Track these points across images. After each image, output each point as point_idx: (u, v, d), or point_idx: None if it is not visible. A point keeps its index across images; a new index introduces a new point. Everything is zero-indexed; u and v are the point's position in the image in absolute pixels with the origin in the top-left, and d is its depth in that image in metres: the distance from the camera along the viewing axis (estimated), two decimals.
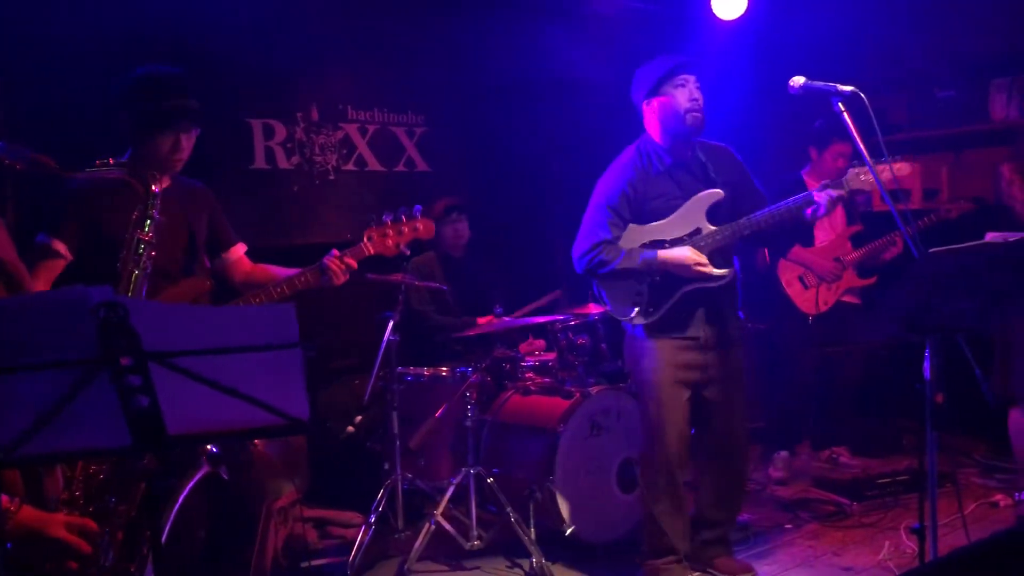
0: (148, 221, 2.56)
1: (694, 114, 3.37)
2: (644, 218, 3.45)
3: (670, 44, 5.48)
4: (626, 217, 3.45)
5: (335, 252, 3.01)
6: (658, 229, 3.43)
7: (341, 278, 2.99)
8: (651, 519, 3.55)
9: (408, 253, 3.20)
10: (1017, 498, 4.24)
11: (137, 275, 2.50)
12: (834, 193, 3.24)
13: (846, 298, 5.04)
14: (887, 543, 3.89)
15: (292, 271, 3.03)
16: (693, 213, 3.42)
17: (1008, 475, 4.63)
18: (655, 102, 3.43)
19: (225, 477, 2.34)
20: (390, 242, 3.09)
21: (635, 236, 3.45)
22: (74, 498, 2.20)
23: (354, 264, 3.02)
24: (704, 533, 3.67)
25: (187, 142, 2.86)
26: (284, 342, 1.65)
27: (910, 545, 3.80)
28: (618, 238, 3.44)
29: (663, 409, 3.47)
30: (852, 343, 5.03)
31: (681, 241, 3.40)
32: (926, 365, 2.67)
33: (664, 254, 3.36)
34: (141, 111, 2.78)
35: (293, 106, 5.00)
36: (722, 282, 3.37)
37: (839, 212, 5.15)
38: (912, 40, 5.51)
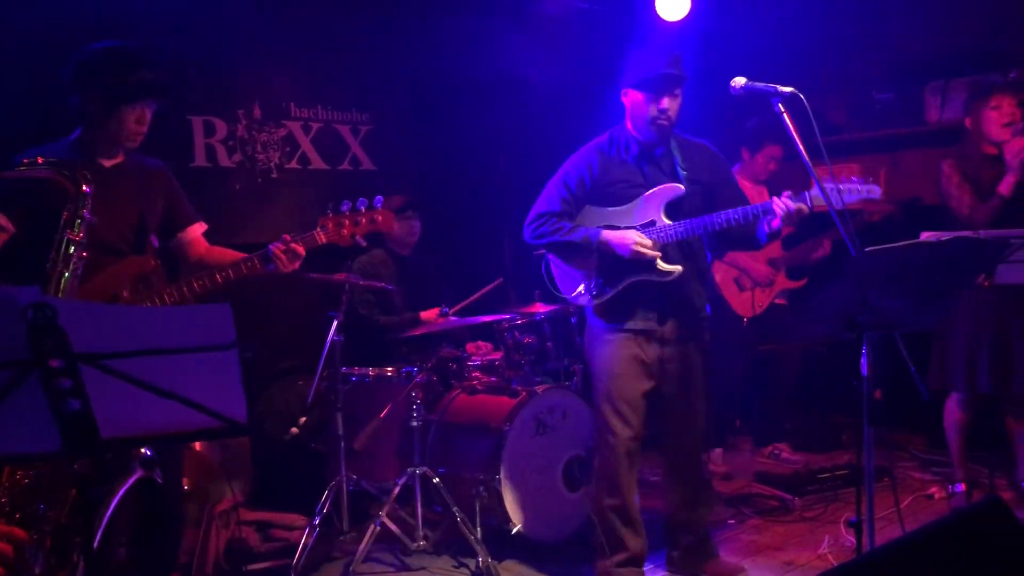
0: (78, 221, 2.49)
1: (660, 122, 3.34)
2: (603, 201, 3.43)
3: (616, 45, 5.52)
4: (579, 196, 3.44)
5: (286, 237, 2.91)
6: (614, 214, 3.41)
7: (288, 266, 2.89)
8: (601, 515, 3.49)
9: (364, 244, 3.11)
10: (951, 490, 4.37)
11: (67, 277, 2.43)
12: (792, 205, 3.11)
13: (778, 301, 5.13)
14: (827, 537, 3.96)
15: (243, 256, 2.96)
16: (651, 205, 3.39)
17: (944, 468, 4.76)
18: (631, 95, 3.40)
19: (159, 481, 2.30)
20: (345, 232, 2.96)
21: (591, 218, 3.43)
22: None
23: (302, 252, 2.91)
24: (684, 539, 3.61)
25: (149, 116, 2.84)
26: (220, 343, 1.62)
27: (849, 538, 3.87)
28: (567, 214, 3.43)
29: (613, 400, 3.43)
30: (787, 343, 5.11)
31: (633, 230, 3.36)
32: (863, 362, 2.72)
33: (607, 234, 3.34)
34: (109, 84, 2.71)
35: (235, 103, 4.91)
36: (669, 278, 3.34)
37: None
38: (851, 43, 5.61)
